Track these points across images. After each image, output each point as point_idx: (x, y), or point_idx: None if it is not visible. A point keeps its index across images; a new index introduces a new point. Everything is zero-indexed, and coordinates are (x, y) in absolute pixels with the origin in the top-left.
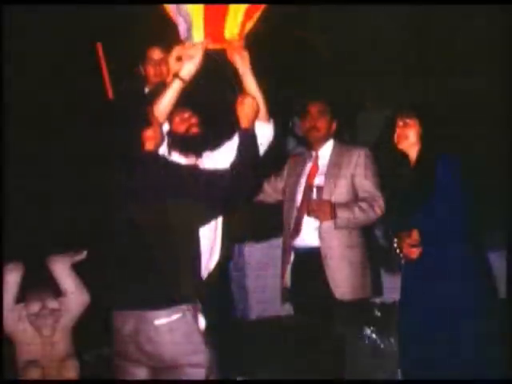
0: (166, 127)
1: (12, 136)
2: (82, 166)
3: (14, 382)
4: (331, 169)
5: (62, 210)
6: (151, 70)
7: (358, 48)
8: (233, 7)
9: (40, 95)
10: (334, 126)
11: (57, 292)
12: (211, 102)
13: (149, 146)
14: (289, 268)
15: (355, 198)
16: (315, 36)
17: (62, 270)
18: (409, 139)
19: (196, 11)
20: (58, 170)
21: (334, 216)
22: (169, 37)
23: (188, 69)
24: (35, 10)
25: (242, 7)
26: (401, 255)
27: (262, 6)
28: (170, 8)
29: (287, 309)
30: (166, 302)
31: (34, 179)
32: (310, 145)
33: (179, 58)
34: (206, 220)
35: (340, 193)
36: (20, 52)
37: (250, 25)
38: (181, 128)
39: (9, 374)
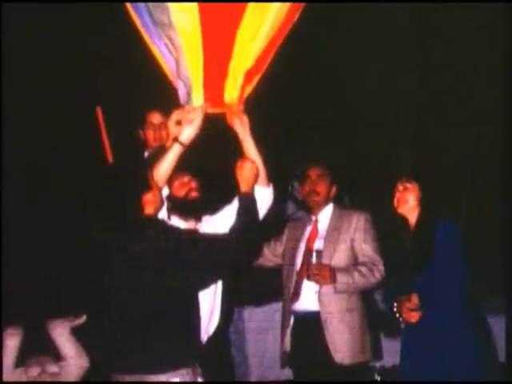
0: (165, 191)
1: (11, 200)
2: (80, 228)
3: None
4: (331, 233)
5: (62, 274)
6: (151, 134)
7: (358, 111)
8: (232, 71)
9: (39, 158)
10: (334, 190)
11: (56, 356)
12: (211, 166)
13: (148, 210)
14: (288, 332)
15: (355, 263)
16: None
17: (61, 334)
18: (408, 203)
19: (195, 75)
20: (57, 232)
21: (333, 280)
22: (168, 101)
23: (187, 133)
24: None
25: (242, 70)
26: (400, 319)
27: (262, 70)
28: (170, 72)
29: (287, 373)
30: (166, 365)
31: (32, 243)
32: (309, 209)
33: (179, 122)
34: (205, 284)
35: (339, 257)
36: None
37: (249, 89)
38: (180, 192)
39: None
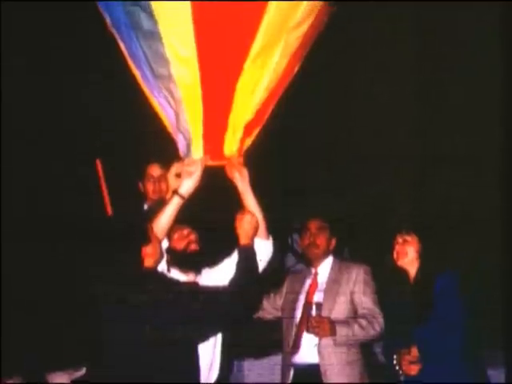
0: (165, 244)
1: (10, 252)
2: (80, 281)
3: None
4: (330, 286)
5: (61, 326)
6: (150, 187)
7: (357, 164)
8: (232, 123)
9: (38, 210)
10: (334, 242)
11: None
12: (210, 219)
13: (148, 262)
14: None
15: (354, 315)
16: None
17: None
18: (408, 256)
19: (195, 128)
20: (56, 284)
21: (333, 333)
22: (168, 153)
23: (187, 185)
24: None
25: (241, 123)
26: (400, 372)
27: (262, 122)
28: (170, 124)
29: None
30: None
31: (32, 295)
32: (309, 261)
33: (178, 175)
34: (205, 337)
35: (339, 310)
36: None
37: (249, 141)
38: (180, 245)
39: None
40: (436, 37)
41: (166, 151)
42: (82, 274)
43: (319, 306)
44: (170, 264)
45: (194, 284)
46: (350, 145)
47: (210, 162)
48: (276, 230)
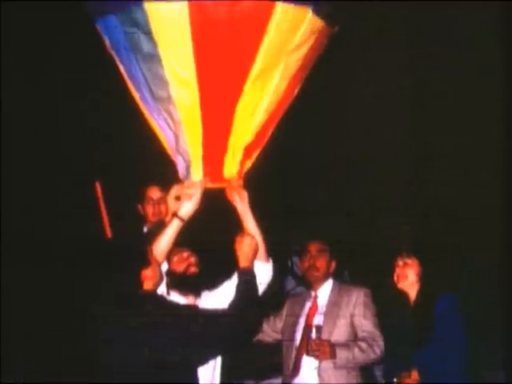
0: (164, 266)
1: (9, 272)
2: (79, 303)
3: None
4: (330, 308)
5: (60, 348)
6: (150, 209)
7: (357, 186)
8: (232, 146)
9: (38, 232)
10: (334, 265)
11: None
12: (210, 242)
13: (147, 285)
14: None
15: (355, 338)
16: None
17: None
18: (408, 279)
19: (195, 150)
20: (55, 306)
21: (333, 356)
22: (167, 176)
23: (187, 208)
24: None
25: (241, 145)
26: None
27: (262, 144)
28: (169, 146)
29: None
30: None
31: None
32: (309, 284)
33: (178, 198)
34: (204, 360)
35: (339, 332)
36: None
37: (248, 164)
38: (179, 267)
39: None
40: (430, 38)
41: (166, 173)
42: (81, 296)
43: (319, 328)
44: (169, 287)
45: (194, 307)
46: (350, 166)
47: (210, 185)
48: (276, 252)
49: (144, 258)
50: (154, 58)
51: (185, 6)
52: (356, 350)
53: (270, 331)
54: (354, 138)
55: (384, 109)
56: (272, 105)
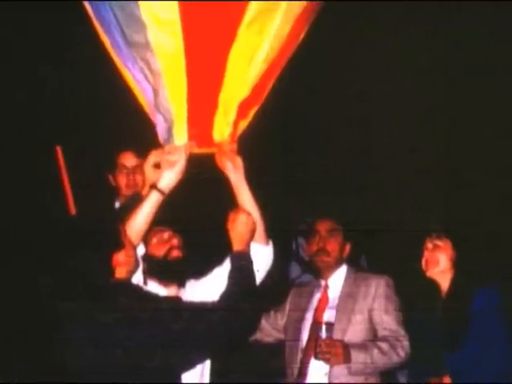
0: (141, 250)
1: None
2: (37, 296)
3: None
4: (344, 302)
5: (17, 351)
6: (123, 180)
7: (378, 152)
8: (223, 102)
9: None
10: (348, 248)
11: None
12: (196, 220)
13: (120, 273)
14: None
15: (374, 337)
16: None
17: None
18: (439, 265)
19: (178, 107)
20: (9, 299)
21: (347, 359)
22: (144, 139)
23: (168, 178)
24: None
25: (234, 102)
26: None
27: (260, 101)
28: (147, 103)
29: None
30: None
31: None
32: (317, 272)
33: (157, 166)
34: (190, 364)
35: (355, 331)
36: None
37: (244, 124)
38: (159, 251)
39: None
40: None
41: (142, 136)
42: (39, 288)
43: (330, 326)
44: (147, 274)
45: (177, 299)
46: (369, 126)
47: (196, 150)
48: (277, 232)
49: (116, 240)
50: None
51: None
52: (375, 352)
53: (271, 329)
54: (375, 92)
55: (411, 66)
56: (272, 52)
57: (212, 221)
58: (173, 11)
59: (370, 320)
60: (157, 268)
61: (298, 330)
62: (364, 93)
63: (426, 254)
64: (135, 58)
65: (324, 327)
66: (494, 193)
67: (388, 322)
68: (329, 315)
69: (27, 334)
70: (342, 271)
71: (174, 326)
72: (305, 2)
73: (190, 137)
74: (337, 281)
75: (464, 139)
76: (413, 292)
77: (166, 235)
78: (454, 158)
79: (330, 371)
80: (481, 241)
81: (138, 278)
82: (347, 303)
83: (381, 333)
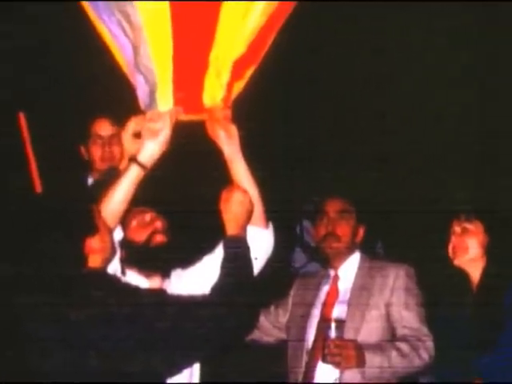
0: (118, 234)
1: None
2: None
3: None
4: (357, 295)
5: None
6: (97, 152)
7: (397, 123)
8: (214, 61)
9: None
10: (361, 233)
11: None
12: (183, 199)
13: (94, 261)
14: None
15: (392, 337)
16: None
17: None
18: (469, 252)
19: (162, 67)
20: None
21: (361, 363)
22: (122, 104)
23: (150, 150)
24: None
25: (228, 61)
26: None
27: (257, 60)
28: (125, 62)
29: None
30: None
31: None
32: (326, 260)
33: (138, 135)
34: (176, 368)
35: (370, 329)
36: None
37: (239, 86)
38: (140, 236)
39: None
40: None
41: (120, 101)
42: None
43: (341, 323)
44: (125, 263)
45: (161, 292)
46: (385, 92)
47: (184, 116)
48: (278, 214)
49: (89, 223)
50: None
51: None
52: (394, 354)
53: (271, 327)
54: (391, 49)
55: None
56: (272, 4)
57: (202, 200)
58: None
59: (388, 317)
60: (137, 255)
61: (303, 329)
62: (377, 53)
63: (454, 239)
64: (112, 9)
65: (333, 325)
66: None
67: (408, 318)
68: (339, 311)
69: None
70: (355, 259)
71: (157, 324)
72: None
73: (176, 101)
74: (348, 270)
75: (495, 108)
76: (438, 284)
77: (147, 217)
78: (485, 131)
79: (341, 376)
80: None
81: (114, 268)
82: (361, 297)
83: (400, 332)
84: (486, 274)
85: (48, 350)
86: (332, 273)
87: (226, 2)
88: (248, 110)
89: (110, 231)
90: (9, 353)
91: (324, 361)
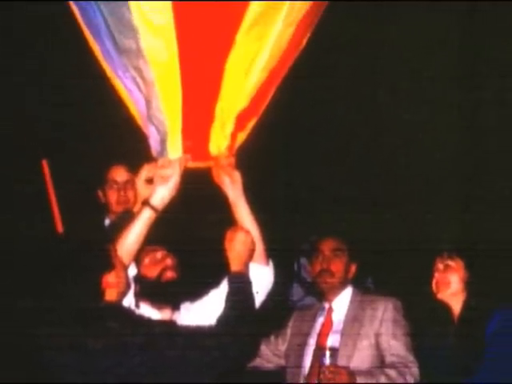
0: (132, 271)
1: None
2: (20, 321)
3: None
4: (349, 326)
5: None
6: (113, 196)
7: (386, 167)
8: (220, 113)
9: None
10: (353, 269)
11: None
12: (192, 238)
13: (110, 295)
14: None
15: (381, 364)
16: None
17: None
18: (451, 287)
19: (172, 118)
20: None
21: None
22: (136, 152)
23: (161, 194)
24: None
25: (232, 113)
26: None
27: (259, 112)
28: (139, 114)
29: None
30: None
31: None
32: (321, 294)
33: (150, 181)
34: None
35: (361, 357)
36: None
37: (242, 137)
38: (152, 272)
39: None
40: None
41: (134, 149)
42: (22, 312)
43: (334, 351)
44: (139, 297)
45: (171, 323)
46: (376, 141)
47: (192, 164)
48: (278, 252)
49: (106, 260)
50: None
51: None
52: (383, 379)
53: (271, 355)
54: (385, 108)
55: (428, 77)
56: (272, 60)
57: (208, 240)
58: (166, 15)
59: (377, 345)
60: (149, 290)
61: (301, 356)
62: (370, 102)
63: (437, 275)
64: (126, 66)
65: (328, 353)
66: (509, 211)
67: (396, 347)
68: (333, 340)
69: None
70: (347, 293)
71: (167, 352)
72: (307, 4)
73: (185, 150)
74: (341, 303)
75: (479, 152)
76: (423, 316)
77: (159, 255)
78: (467, 174)
79: None
80: (494, 261)
81: (129, 301)
82: (353, 327)
83: (388, 359)
84: (466, 306)
85: (67, 375)
86: (327, 305)
87: (230, 58)
88: (250, 158)
89: (125, 268)
90: (31, 380)
91: None
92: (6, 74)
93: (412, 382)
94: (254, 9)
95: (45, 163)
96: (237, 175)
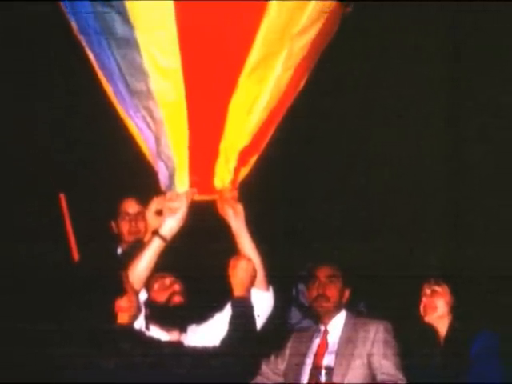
0: (143, 296)
1: None
2: (39, 341)
3: None
4: (343, 346)
5: None
6: (125, 227)
7: (377, 199)
8: (224, 150)
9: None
10: (347, 294)
11: None
12: (198, 266)
13: (122, 318)
14: None
15: (373, 382)
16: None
17: None
18: (437, 311)
19: (179, 155)
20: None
21: None
22: (147, 186)
23: (170, 225)
24: None
25: (235, 150)
26: None
27: (260, 149)
28: (149, 151)
29: None
30: None
31: None
32: (317, 317)
33: (159, 212)
34: None
35: (354, 375)
36: None
37: (244, 172)
38: (161, 297)
39: None
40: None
41: (144, 183)
42: (41, 334)
43: (330, 370)
44: (149, 320)
45: (179, 344)
46: (369, 176)
47: (198, 197)
48: (277, 278)
49: (118, 286)
50: (129, 43)
51: None
52: None
53: (271, 374)
54: (377, 144)
55: (415, 108)
56: (272, 101)
57: (213, 267)
58: (174, 60)
59: (369, 365)
60: (159, 313)
61: (298, 375)
62: (365, 139)
63: (424, 299)
64: (137, 106)
65: (324, 372)
66: (493, 238)
67: (387, 366)
68: (328, 360)
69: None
70: (342, 316)
71: (175, 371)
72: (306, 49)
73: (192, 184)
74: (336, 326)
75: (464, 183)
76: (411, 337)
77: (167, 281)
78: (453, 205)
79: None
80: (478, 286)
81: (140, 324)
82: (346, 348)
83: (379, 377)
84: (451, 329)
85: None
86: (322, 328)
87: (233, 99)
88: (252, 192)
89: (136, 293)
90: None
91: None
92: (28, 113)
93: None
94: (255, 54)
95: (62, 197)
96: (239, 207)
